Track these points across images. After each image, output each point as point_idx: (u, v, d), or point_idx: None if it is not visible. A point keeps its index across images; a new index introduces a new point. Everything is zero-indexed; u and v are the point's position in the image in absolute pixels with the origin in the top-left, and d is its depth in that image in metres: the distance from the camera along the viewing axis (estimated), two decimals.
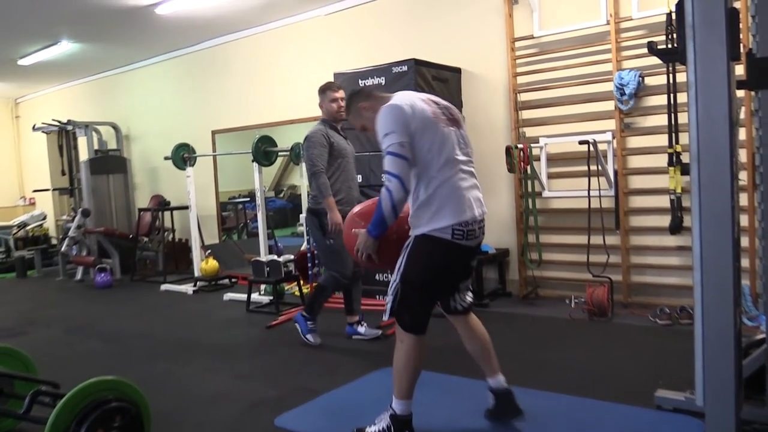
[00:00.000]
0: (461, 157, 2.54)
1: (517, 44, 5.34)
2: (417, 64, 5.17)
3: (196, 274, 6.66)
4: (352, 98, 2.77)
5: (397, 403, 2.56)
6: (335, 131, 4.06)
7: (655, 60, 4.45)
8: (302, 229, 6.00)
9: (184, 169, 6.71)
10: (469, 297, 2.73)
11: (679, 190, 4.42)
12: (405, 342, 2.53)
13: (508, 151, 4.93)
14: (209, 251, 6.73)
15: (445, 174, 2.47)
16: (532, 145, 5.01)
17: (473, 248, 2.56)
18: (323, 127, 4.04)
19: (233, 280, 6.74)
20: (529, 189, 5.11)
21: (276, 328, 4.74)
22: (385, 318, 2.64)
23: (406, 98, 2.55)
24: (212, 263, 6.58)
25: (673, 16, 4.16)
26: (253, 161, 5.82)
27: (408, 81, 5.16)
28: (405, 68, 5.16)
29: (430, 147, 2.47)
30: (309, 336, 4.12)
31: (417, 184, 2.49)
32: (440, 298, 2.68)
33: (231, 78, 7.64)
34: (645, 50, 4.27)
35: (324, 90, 4.10)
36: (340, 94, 4.05)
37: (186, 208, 7.07)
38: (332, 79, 5.63)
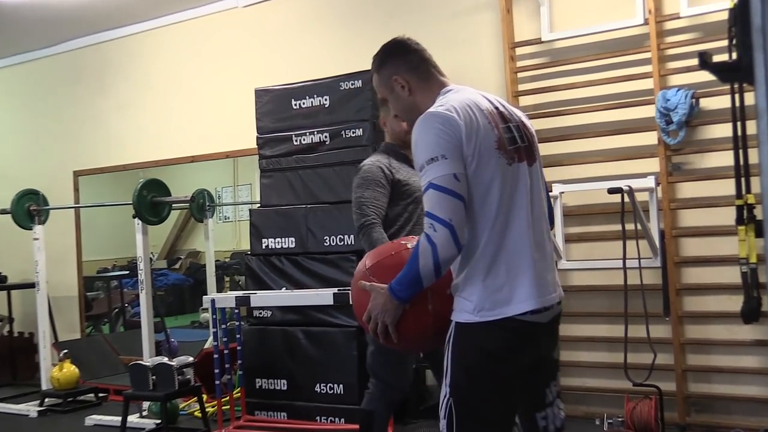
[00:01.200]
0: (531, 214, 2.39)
1: (519, 51, 5.38)
2: None
3: (45, 386, 6.52)
4: (387, 56, 2.64)
5: None
6: (404, 162, 3.82)
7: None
8: (207, 316, 5.85)
9: (31, 228, 6.65)
10: (561, 412, 2.57)
11: (753, 259, 4.39)
12: None
13: None
14: (65, 351, 6.54)
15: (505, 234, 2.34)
16: None
17: (549, 325, 2.42)
18: (384, 158, 3.83)
19: (101, 394, 6.60)
20: None
21: None
22: None
23: (465, 100, 2.38)
24: (70, 369, 6.40)
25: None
26: (134, 217, 5.79)
27: (362, 102, 5.21)
28: (358, 83, 5.22)
29: (488, 187, 2.32)
30: None
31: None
32: (521, 412, 2.51)
33: (104, 95, 7.61)
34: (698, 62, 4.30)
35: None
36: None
37: (31, 286, 6.92)
38: (253, 97, 5.60)
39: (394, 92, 2.60)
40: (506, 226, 2.34)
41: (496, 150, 2.34)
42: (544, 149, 5.23)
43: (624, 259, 4.65)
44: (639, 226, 4.66)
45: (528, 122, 2.54)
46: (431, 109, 2.37)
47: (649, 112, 4.88)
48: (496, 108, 2.45)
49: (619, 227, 4.65)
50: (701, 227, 4.82)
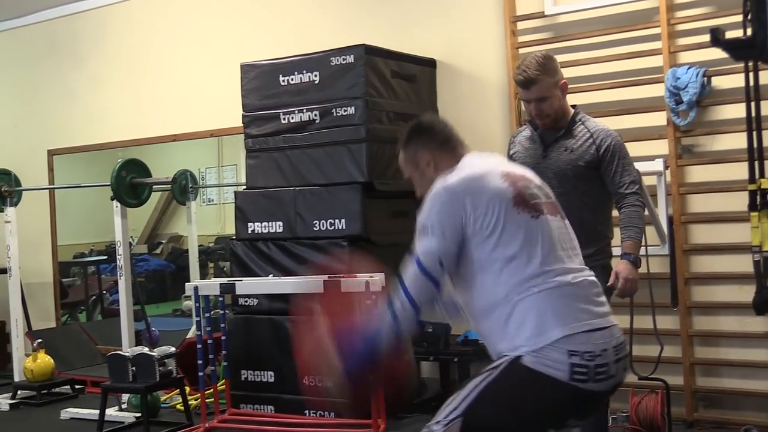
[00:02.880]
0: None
1: (520, 26, 5.36)
2: (369, 53, 5.20)
3: (17, 377, 6.51)
4: (412, 135, 2.78)
5: None
6: (535, 142, 3.83)
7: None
8: (190, 304, 5.82)
9: (2, 211, 6.65)
10: None
11: (766, 247, 4.38)
12: None
13: None
14: (39, 341, 6.52)
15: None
16: None
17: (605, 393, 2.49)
18: (519, 133, 4.01)
19: (78, 386, 6.60)
20: None
21: None
22: None
23: (480, 169, 2.56)
24: (44, 360, 6.38)
25: None
26: (113, 198, 5.78)
27: (354, 78, 5.17)
28: (350, 58, 5.17)
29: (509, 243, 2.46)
30: None
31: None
32: None
33: (80, 69, 7.59)
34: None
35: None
36: (533, 93, 3.70)
37: (3, 272, 6.91)
38: (239, 72, 5.55)
39: (419, 169, 2.74)
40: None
41: (513, 207, 2.47)
42: None
43: None
44: (646, 212, 4.63)
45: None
46: (442, 182, 2.53)
47: (658, 91, 4.87)
48: (514, 171, 2.63)
49: None
50: (712, 213, 4.81)
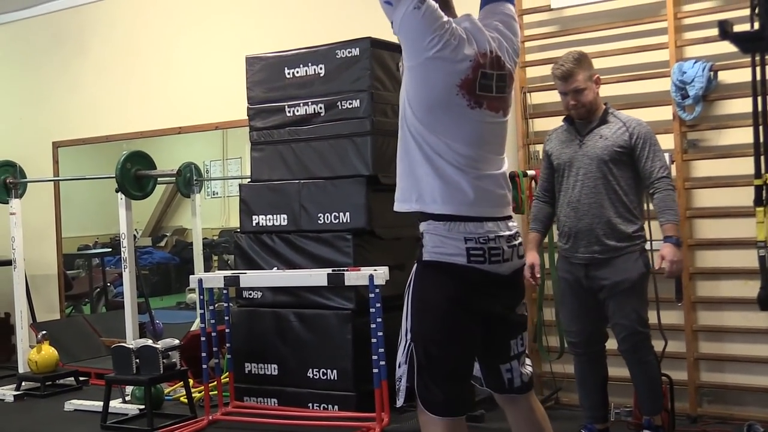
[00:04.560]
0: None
1: (526, 19, 5.36)
2: (374, 46, 5.19)
3: (22, 369, 6.52)
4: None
5: None
6: (572, 133, 4.26)
7: (734, 46, 4.46)
8: (194, 297, 5.83)
9: (7, 203, 6.63)
10: (527, 368, 2.87)
11: None
12: None
13: (513, 180, 4.87)
14: (44, 333, 6.54)
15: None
16: None
17: (507, 279, 2.72)
18: (554, 130, 4.43)
19: (82, 378, 6.60)
20: (546, 239, 5.01)
21: None
22: (399, 402, 2.77)
23: (473, 24, 2.73)
24: (48, 352, 6.41)
25: None
26: (117, 191, 5.79)
27: (360, 71, 5.18)
28: (356, 51, 5.19)
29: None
30: None
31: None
32: (481, 361, 2.83)
33: (85, 61, 7.58)
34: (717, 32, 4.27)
35: None
36: (570, 85, 4.13)
37: (8, 264, 6.91)
38: (244, 65, 5.56)
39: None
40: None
41: (456, 87, 2.62)
42: (553, 124, 5.23)
43: None
44: (651, 206, 4.65)
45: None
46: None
47: (663, 85, 4.86)
48: (493, 53, 2.70)
49: None
50: (717, 208, 4.80)
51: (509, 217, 2.77)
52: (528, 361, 2.89)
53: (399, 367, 2.67)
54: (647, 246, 4.21)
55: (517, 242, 2.73)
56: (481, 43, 2.66)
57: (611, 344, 4.29)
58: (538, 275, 4.37)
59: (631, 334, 4.07)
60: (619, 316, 4.09)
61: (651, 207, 4.23)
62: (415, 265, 2.70)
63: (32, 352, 6.38)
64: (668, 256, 3.91)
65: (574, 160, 4.15)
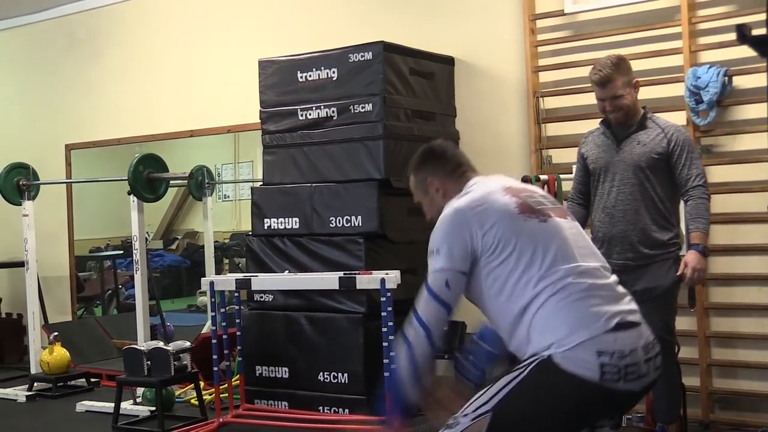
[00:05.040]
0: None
1: (540, 24, 5.36)
2: (387, 50, 5.19)
3: (34, 370, 6.53)
4: (422, 161, 2.87)
5: None
6: (609, 137, 4.14)
7: (748, 51, 4.44)
8: (205, 299, 5.84)
9: (20, 204, 6.62)
10: None
11: None
12: None
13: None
14: (56, 334, 6.57)
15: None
16: (561, 176, 4.97)
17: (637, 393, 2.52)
18: (590, 133, 4.30)
19: (93, 379, 6.63)
20: None
21: None
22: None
23: (484, 189, 2.65)
24: (60, 353, 6.42)
25: None
26: (129, 193, 5.80)
27: (372, 75, 5.17)
28: (369, 55, 5.17)
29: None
30: None
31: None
32: None
33: (98, 65, 7.60)
34: (734, 36, 4.26)
35: None
36: (609, 90, 4.00)
37: (20, 265, 6.94)
38: (256, 68, 5.57)
39: (428, 195, 2.83)
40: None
41: (519, 215, 2.54)
42: (565, 128, 5.26)
43: None
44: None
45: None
46: (450, 206, 2.64)
47: (677, 90, 4.86)
48: (515, 185, 2.71)
49: None
50: (731, 214, 4.78)
51: None
52: None
53: (464, 415, 2.47)
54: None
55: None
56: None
57: None
58: None
59: None
60: (645, 322, 4.07)
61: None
62: None
63: (44, 353, 6.40)
64: (691, 263, 3.85)
65: (610, 166, 4.07)
